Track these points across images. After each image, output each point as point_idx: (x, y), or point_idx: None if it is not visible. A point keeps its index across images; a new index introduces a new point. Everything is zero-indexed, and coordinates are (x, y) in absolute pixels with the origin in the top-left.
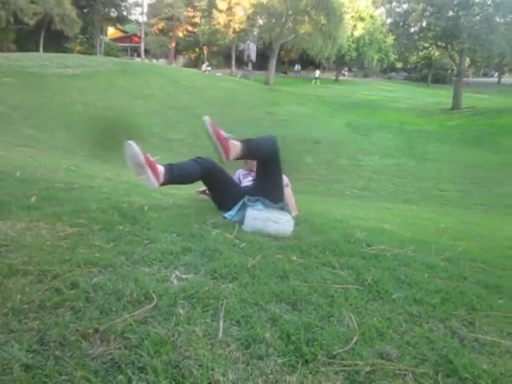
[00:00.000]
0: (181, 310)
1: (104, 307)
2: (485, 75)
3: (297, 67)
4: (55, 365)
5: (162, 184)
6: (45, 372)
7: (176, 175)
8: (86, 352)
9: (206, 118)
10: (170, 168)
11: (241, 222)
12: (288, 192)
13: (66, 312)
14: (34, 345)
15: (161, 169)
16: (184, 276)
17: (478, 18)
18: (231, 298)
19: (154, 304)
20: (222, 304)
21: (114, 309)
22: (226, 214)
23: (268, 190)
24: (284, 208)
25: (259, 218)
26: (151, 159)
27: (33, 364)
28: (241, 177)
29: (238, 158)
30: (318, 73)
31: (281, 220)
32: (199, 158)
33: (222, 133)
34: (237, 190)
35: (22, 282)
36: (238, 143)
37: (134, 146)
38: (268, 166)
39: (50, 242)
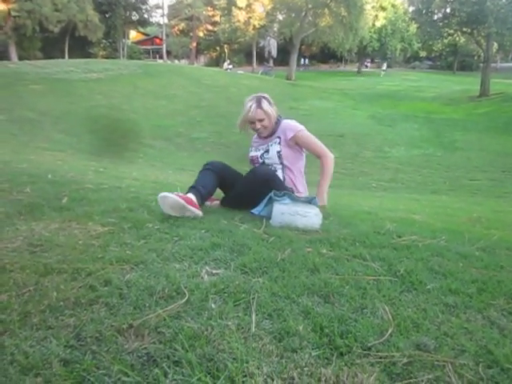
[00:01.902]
0: (213, 305)
1: (137, 303)
2: None
3: (303, 61)
4: (92, 359)
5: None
6: (83, 366)
7: (204, 193)
8: (121, 347)
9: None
10: (196, 191)
11: (268, 217)
12: (304, 135)
13: (100, 308)
14: (71, 340)
15: (192, 197)
16: (214, 271)
17: (504, 0)
18: (262, 291)
19: (186, 299)
20: (253, 298)
21: (147, 304)
22: (254, 210)
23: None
24: (312, 201)
25: (287, 212)
26: (183, 195)
27: (71, 359)
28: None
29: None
30: (385, 65)
31: (309, 214)
32: (207, 164)
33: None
34: None
35: (57, 280)
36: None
37: (170, 196)
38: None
39: (83, 241)
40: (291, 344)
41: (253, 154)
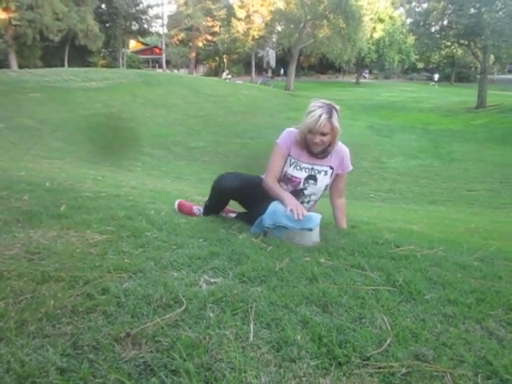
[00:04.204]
0: (211, 314)
1: (135, 311)
2: (510, 72)
3: (282, 71)
4: (89, 368)
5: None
6: (79, 375)
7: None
8: (118, 355)
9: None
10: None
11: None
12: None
13: (98, 316)
14: (68, 349)
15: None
16: (212, 280)
17: (501, 13)
18: (260, 301)
19: (183, 308)
20: (251, 307)
21: (144, 313)
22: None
23: None
24: (305, 226)
25: (282, 234)
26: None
27: (67, 367)
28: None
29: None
30: (436, 77)
31: (305, 234)
32: (218, 183)
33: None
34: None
35: (54, 288)
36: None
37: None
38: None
39: (81, 249)
40: (289, 354)
41: (295, 173)
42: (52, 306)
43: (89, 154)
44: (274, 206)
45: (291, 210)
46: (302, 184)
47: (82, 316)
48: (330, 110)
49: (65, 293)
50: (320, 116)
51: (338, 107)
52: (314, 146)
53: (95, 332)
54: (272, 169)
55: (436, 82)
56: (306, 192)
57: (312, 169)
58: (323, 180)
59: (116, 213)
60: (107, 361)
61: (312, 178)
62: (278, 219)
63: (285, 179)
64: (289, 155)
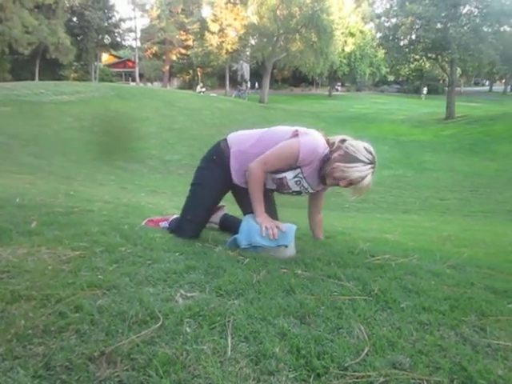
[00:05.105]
0: (188, 329)
1: (109, 329)
2: (476, 84)
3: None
4: None
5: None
6: None
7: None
8: (93, 375)
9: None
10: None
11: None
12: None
13: (71, 336)
14: (40, 370)
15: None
16: (189, 294)
17: (466, 28)
18: (238, 314)
19: (160, 324)
20: (229, 321)
21: (119, 330)
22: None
23: None
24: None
25: (257, 250)
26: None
27: None
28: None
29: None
30: (425, 90)
31: (280, 249)
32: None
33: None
34: None
35: (25, 308)
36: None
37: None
38: None
39: (53, 267)
40: (268, 367)
41: (292, 185)
42: (23, 326)
43: (61, 169)
44: (247, 223)
45: (266, 229)
46: (287, 191)
47: (55, 335)
48: (373, 171)
49: (36, 312)
50: (366, 177)
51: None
52: (332, 183)
53: (68, 352)
54: (271, 164)
55: (424, 94)
56: (284, 193)
57: (306, 189)
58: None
59: (89, 228)
60: (81, 381)
61: (299, 193)
62: (252, 239)
63: (278, 181)
64: (300, 168)
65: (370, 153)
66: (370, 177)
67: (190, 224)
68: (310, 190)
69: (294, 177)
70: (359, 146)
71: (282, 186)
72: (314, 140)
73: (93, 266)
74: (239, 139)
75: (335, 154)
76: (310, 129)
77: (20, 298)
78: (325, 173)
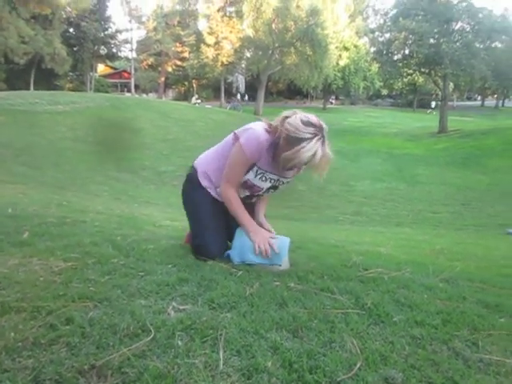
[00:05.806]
0: (179, 342)
1: (100, 342)
2: (469, 99)
3: (237, 98)
4: None
5: None
6: None
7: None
8: None
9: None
10: None
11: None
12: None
13: (61, 348)
14: (29, 383)
15: None
16: (181, 307)
17: (458, 44)
18: (230, 327)
19: (151, 337)
20: (221, 334)
21: (110, 343)
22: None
23: None
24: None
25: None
26: None
27: None
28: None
29: None
30: (434, 104)
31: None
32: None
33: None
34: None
35: (15, 320)
36: None
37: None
38: None
39: (44, 278)
40: (260, 381)
41: (259, 183)
42: (12, 339)
43: (54, 179)
44: (239, 239)
45: (259, 247)
46: (262, 191)
47: (45, 348)
48: (323, 140)
49: (26, 324)
50: (316, 153)
51: (326, 128)
52: (289, 166)
53: (58, 365)
54: (233, 178)
55: (433, 108)
56: (260, 194)
57: (278, 180)
58: (283, 188)
59: (81, 239)
60: None
61: (274, 187)
62: (245, 256)
63: (245, 185)
64: (255, 165)
65: (310, 124)
66: (321, 149)
67: (202, 248)
68: (283, 180)
69: (256, 175)
70: (297, 123)
71: (252, 189)
72: (253, 133)
73: (84, 278)
74: (201, 162)
75: (280, 141)
76: (251, 122)
77: (10, 310)
78: (277, 155)
